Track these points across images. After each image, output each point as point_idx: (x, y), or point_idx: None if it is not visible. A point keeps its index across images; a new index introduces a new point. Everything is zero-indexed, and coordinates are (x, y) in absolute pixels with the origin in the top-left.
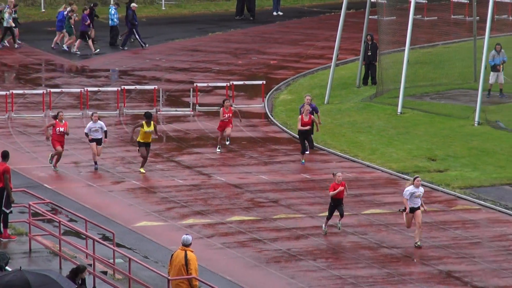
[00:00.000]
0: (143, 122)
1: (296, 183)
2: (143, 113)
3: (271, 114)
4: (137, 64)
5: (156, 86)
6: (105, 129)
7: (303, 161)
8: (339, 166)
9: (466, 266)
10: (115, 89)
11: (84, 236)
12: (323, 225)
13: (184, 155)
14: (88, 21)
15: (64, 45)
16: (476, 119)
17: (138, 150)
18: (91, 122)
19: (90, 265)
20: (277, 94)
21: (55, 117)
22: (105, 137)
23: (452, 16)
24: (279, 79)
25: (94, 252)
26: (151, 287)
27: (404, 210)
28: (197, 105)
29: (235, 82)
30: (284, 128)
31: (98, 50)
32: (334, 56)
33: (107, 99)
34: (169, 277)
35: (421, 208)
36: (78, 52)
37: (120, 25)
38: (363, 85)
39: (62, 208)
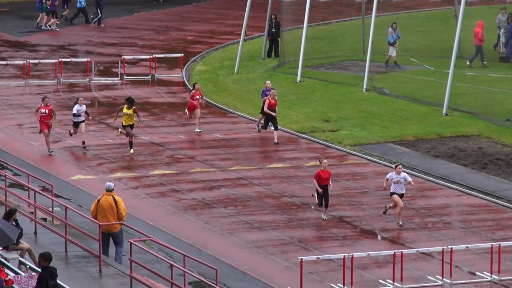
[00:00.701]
0: (124, 105)
1: (210, 142)
2: (126, 98)
3: (188, 83)
4: (72, 40)
5: (89, 59)
6: (85, 109)
7: (259, 128)
8: (247, 127)
9: (355, 212)
10: (53, 61)
11: (27, 188)
12: (322, 215)
13: (113, 118)
14: (57, 2)
15: (41, 25)
16: (364, 86)
17: (125, 132)
18: (77, 105)
19: (32, 213)
20: (193, 66)
21: (42, 100)
22: (88, 115)
23: None
24: (195, 52)
25: (35, 202)
26: (85, 231)
27: (385, 212)
28: (125, 75)
29: (157, 55)
30: None
31: (58, 29)
32: (242, 33)
33: (46, 70)
34: (100, 223)
35: (411, 185)
36: (51, 28)
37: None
38: (267, 58)
39: (8, 164)
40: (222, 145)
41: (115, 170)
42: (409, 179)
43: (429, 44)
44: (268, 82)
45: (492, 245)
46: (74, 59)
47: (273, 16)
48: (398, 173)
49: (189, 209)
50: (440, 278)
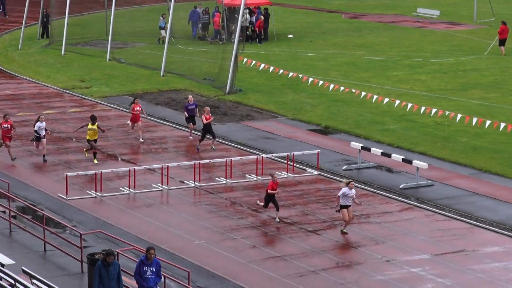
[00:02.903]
0: (89, 123)
1: (2, 96)
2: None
3: None
4: None
5: None
6: (45, 126)
7: (199, 146)
8: (28, 86)
9: (103, 143)
10: None
11: None
12: (276, 218)
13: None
14: None
15: None
16: (108, 57)
17: (89, 145)
18: (39, 122)
19: None
20: None
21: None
22: (46, 131)
23: None
24: None
25: None
26: None
27: (339, 210)
28: None
29: None
30: None
31: None
32: (23, 21)
33: None
34: None
35: (356, 203)
36: None
37: None
38: (41, 38)
39: None
40: (11, 98)
41: None
42: (354, 191)
43: (151, 29)
44: (190, 97)
45: (194, 163)
46: None
47: (44, 10)
48: (351, 188)
49: (24, 157)
50: (161, 185)
